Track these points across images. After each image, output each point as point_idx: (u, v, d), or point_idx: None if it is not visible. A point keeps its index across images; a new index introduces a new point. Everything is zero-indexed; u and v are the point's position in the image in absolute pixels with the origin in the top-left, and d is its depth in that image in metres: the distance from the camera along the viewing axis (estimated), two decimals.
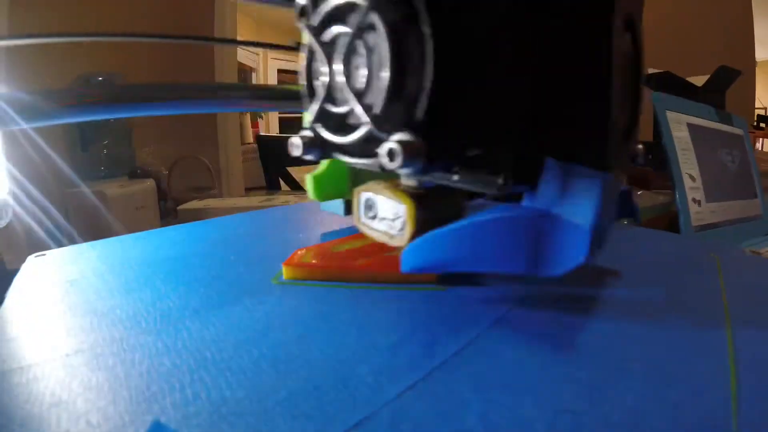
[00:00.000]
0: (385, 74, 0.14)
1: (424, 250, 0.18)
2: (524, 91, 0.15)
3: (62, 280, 0.22)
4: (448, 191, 0.19)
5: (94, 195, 1.36)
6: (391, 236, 0.22)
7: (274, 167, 1.35)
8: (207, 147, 2.03)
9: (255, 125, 3.64)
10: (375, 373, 0.14)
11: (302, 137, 0.17)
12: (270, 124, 3.89)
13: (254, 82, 3.79)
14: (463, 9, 0.14)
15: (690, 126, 0.56)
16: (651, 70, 0.94)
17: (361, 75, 0.15)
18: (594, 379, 0.14)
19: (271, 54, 3.77)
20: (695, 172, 0.54)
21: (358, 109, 0.15)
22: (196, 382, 0.13)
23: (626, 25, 0.17)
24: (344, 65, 0.15)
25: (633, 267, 0.25)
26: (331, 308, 0.18)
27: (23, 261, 0.25)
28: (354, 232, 0.25)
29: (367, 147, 0.15)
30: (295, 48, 0.20)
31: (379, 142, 0.14)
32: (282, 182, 1.37)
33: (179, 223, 0.32)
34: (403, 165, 0.14)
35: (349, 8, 0.15)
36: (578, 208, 0.16)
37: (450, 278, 0.21)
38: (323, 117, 0.17)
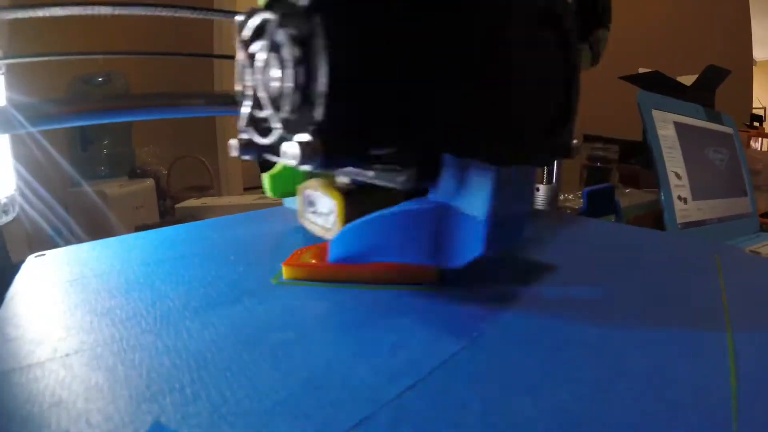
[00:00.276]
0: (290, 83, 0.16)
1: (343, 242, 0.19)
2: (420, 93, 0.16)
3: (62, 280, 0.22)
4: (378, 189, 0.20)
5: (94, 194, 1.36)
6: (327, 229, 0.24)
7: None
8: (206, 147, 2.03)
9: None
10: (375, 373, 0.14)
11: (239, 140, 0.19)
12: None
13: None
14: (356, 22, 0.15)
15: (677, 124, 0.56)
16: (642, 70, 0.95)
17: (275, 84, 0.16)
18: (594, 379, 0.14)
19: None
20: (681, 170, 0.54)
21: (272, 114, 0.17)
22: (196, 382, 0.13)
23: (544, 18, 0.17)
24: (263, 75, 0.17)
25: (633, 267, 0.25)
26: (331, 308, 0.18)
27: (26, 255, 0.25)
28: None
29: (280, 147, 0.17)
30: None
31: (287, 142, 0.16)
32: None
33: (177, 221, 0.32)
34: (302, 162, 0.15)
35: (267, 25, 0.17)
36: (473, 201, 0.17)
37: (450, 278, 0.21)
38: (252, 121, 0.18)
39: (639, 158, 0.80)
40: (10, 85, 0.26)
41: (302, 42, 0.15)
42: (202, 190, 1.79)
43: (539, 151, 0.19)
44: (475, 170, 0.17)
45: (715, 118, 0.64)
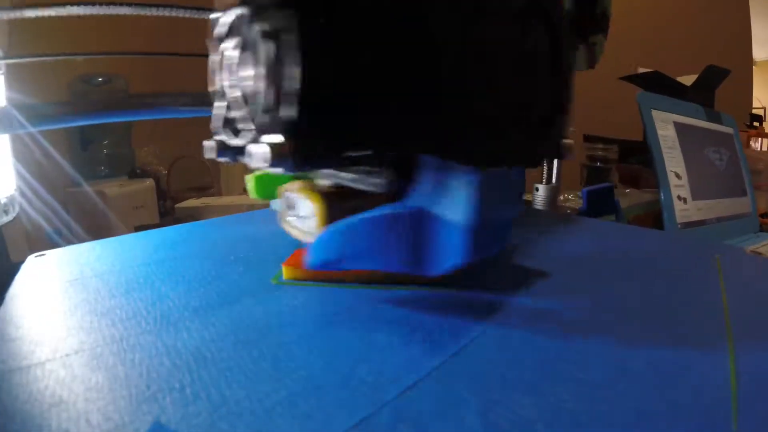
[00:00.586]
0: (261, 82, 0.15)
1: (320, 248, 0.18)
2: (396, 91, 0.15)
3: (62, 280, 0.22)
4: (362, 191, 0.19)
5: (94, 194, 1.36)
6: (308, 233, 0.23)
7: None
8: None
9: None
10: (375, 373, 0.14)
11: (216, 141, 0.18)
12: None
13: None
14: (331, 17, 0.14)
15: (676, 124, 0.56)
16: (641, 70, 0.95)
17: (247, 83, 0.16)
18: (594, 379, 0.14)
19: None
20: (681, 170, 0.54)
21: (244, 114, 0.16)
22: (196, 382, 0.13)
23: (531, 11, 0.16)
24: (235, 74, 0.16)
25: (633, 267, 0.25)
26: (331, 308, 0.18)
27: (26, 255, 0.25)
28: None
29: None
30: None
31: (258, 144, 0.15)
32: None
33: (177, 221, 0.32)
34: (272, 165, 0.14)
35: (239, 23, 0.16)
36: (454, 206, 0.16)
37: (450, 278, 0.21)
38: (226, 122, 0.17)
39: (639, 158, 0.80)
40: (10, 85, 0.26)
41: (274, 38, 0.14)
42: (202, 191, 1.79)
43: (524, 152, 0.18)
44: (456, 173, 0.16)
45: (715, 118, 0.64)
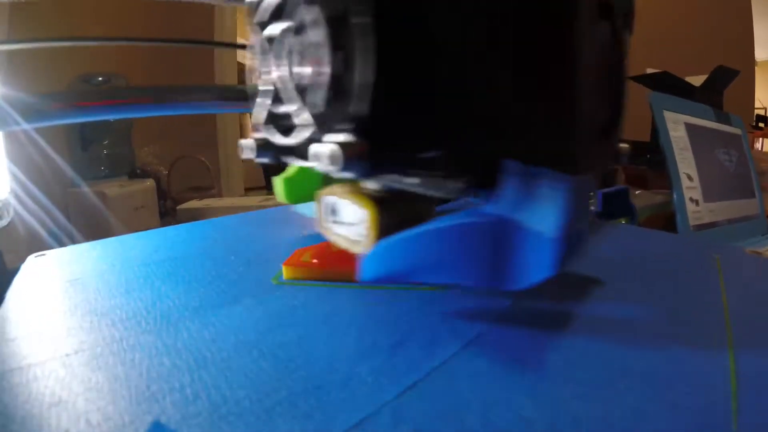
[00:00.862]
0: (326, 70, 0.13)
1: (382, 259, 0.16)
2: (482, 88, 0.14)
3: (62, 280, 0.22)
4: (413, 195, 0.17)
5: (94, 195, 1.36)
6: (355, 242, 0.21)
7: (274, 167, 1.35)
8: (207, 147, 2.03)
9: None
10: (375, 373, 0.14)
11: (256, 139, 0.16)
12: None
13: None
14: (405, 15, 0.12)
15: (687, 126, 0.56)
16: (649, 70, 0.94)
17: (304, 72, 0.14)
18: (594, 379, 0.14)
19: None
20: (693, 172, 0.54)
21: (301, 108, 0.14)
22: (196, 382, 0.13)
23: (601, 13, 0.15)
24: (288, 63, 0.14)
25: (633, 266, 0.25)
26: (331, 308, 0.18)
27: (23, 260, 0.25)
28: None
29: (309, 148, 0.14)
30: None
31: (319, 143, 0.14)
32: None
33: (178, 222, 0.32)
34: (344, 168, 0.13)
35: (290, 4, 0.14)
36: (544, 216, 0.14)
37: None
38: (271, 118, 0.16)
39: (646, 159, 0.80)
40: (10, 84, 0.26)
41: (339, 22, 0.12)
42: (202, 191, 1.80)
43: (603, 157, 0.17)
44: (545, 180, 0.14)
45: (724, 119, 0.63)
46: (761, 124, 1.76)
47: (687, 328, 0.17)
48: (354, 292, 0.20)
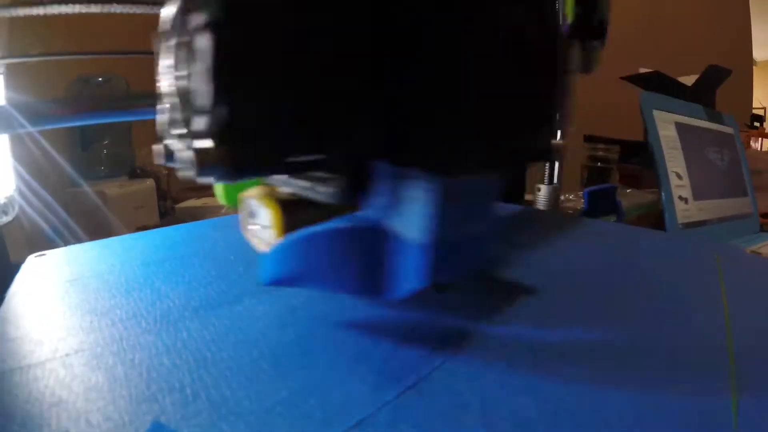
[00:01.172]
0: (187, 79, 0.13)
1: (275, 262, 0.16)
2: (349, 87, 0.13)
3: (62, 280, 0.22)
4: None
5: (94, 194, 1.36)
6: (269, 244, 0.20)
7: None
8: None
9: None
10: (375, 373, 0.14)
11: (164, 145, 0.16)
12: None
13: None
14: (266, 9, 0.12)
15: (678, 125, 0.56)
16: (642, 70, 0.95)
17: (182, 81, 0.14)
18: (594, 379, 0.14)
19: None
20: (682, 171, 0.54)
21: (180, 117, 0.14)
22: (196, 382, 0.13)
23: (523, 17, 0.15)
24: (174, 72, 0.14)
25: (633, 267, 0.25)
26: (331, 308, 0.18)
27: (26, 255, 0.25)
28: None
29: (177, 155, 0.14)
30: None
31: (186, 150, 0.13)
32: None
33: (177, 221, 0.32)
34: (200, 174, 0.12)
35: (179, 17, 0.14)
36: (411, 221, 0.13)
37: (450, 278, 0.21)
38: (172, 124, 0.15)
39: (639, 158, 0.80)
40: (10, 85, 0.26)
41: (209, 30, 0.12)
42: (202, 191, 1.79)
43: (500, 158, 0.16)
44: (413, 182, 0.13)
45: (716, 118, 0.64)
46: (756, 124, 1.76)
47: (687, 327, 0.17)
48: None
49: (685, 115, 0.58)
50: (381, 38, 0.13)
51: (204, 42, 0.12)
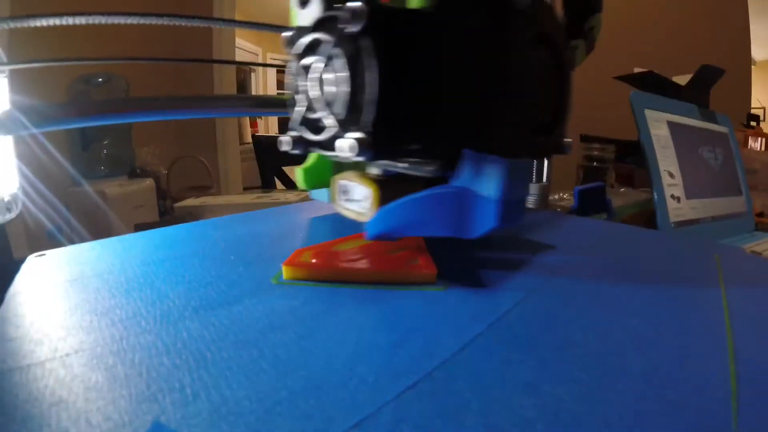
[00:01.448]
0: (346, 91, 0.19)
1: (381, 221, 0.22)
2: (447, 101, 0.20)
3: (62, 280, 0.22)
4: (405, 178, 0.25)
5: (94, 194, 1.36)
6: (361, 214, 0.27)
7: (270, 166, 1.35)
8: (206, 147, 2.03)
9: (254, 125, 3.64)
10: (375, 373, 0.14)
11: (291, 136, 0.22)
12: (269, 124, 3.89)
13: (253, 81, 3.79)
14: (401, 44, 0.19)
15: (670, 124, 0.56)
16: (637, 70, 0.95)
17: (330, 91, 0.20)
18: (594, 379, 0.14)
19: (270, 55, 3.77)
20: (675, 170, 0.54)
21: (328, 116, 0.20)
22: (196, 382, 0.13)
23: (539, 40, 0.21)
24: (318, 83, 0.20)
25: (633, 266, 0.25)
26: (331, 308, 0.18)
27: (27, 252, 0.25)
28: (345, 225, 0.26)
29: (334, 143, 0.20)
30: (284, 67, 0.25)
31: (341, 138, 0.19)
32: (278, 181, 1.37)
33: (176, 220, 0.32)
34: (358, 155, 0.18)
35: (320, 43, 0.20)
36: (488, 185, 0.20)
37: (450, 278, 0.21)
38: (305, 121, 0.22)
39: (634, 158, 0.80)
40: (10, 84, 0.26)
41: (353, 58, 0.18)
42: (201, 190, 1.80)
43: (537, 147, 0.23)
44: (489, 161, 0.21)
45: (710, 117, 0.64)
46: (753, 123, 1.76)
47: (687, 327, 0.17)
48: (354, 292, 0.20)
49: (677, 114, 0.58)
50: (472, 64, 0.20)
51: (365, 68, 0.18)
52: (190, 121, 1.90)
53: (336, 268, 0.21)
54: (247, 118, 3.28)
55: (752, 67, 1.85)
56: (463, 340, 0.16)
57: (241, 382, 0.13)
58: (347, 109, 0.19)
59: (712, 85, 0.86)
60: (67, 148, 1.55)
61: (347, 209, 0.28)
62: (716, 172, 0.61)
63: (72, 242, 0.27)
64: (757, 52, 1.83)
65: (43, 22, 0.25)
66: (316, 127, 0.21)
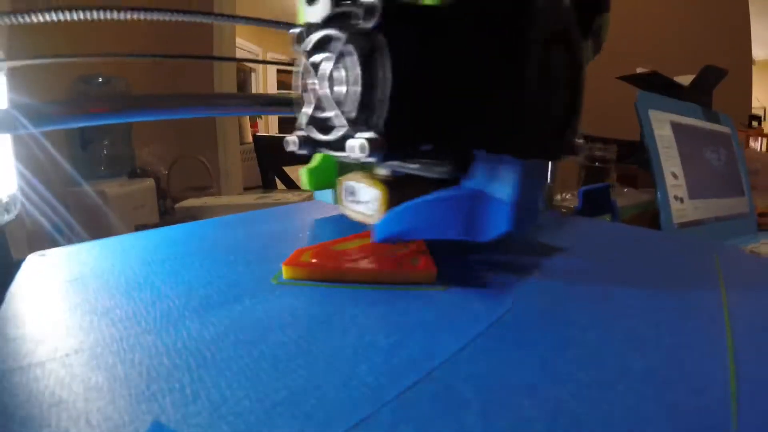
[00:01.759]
0: (357, 89, 0.18)
1: (390, 224, 0.22)
2: (461, 101, 0.19)
3: (62, 280, 0.22)
4: (413, 179, 0.24)
5: (94, 194, 1.36)
6: (368, 216, 0.26)
7: (270, 166, 1.35)
8: (206, 147, 2.03)
9: (254, 125, 3.64)
10: (375, 373, 0.14)
11: (298, 136, 0.22)
12: (269, 123, 3.89)
13: (254, 81, 3.79)
14: (414, 41, 0.18)
15: (673, 124, 0.56)
16: (639, 70, 0.95)
17: (341, 89, 0.19)
18: (594, 379, 0.14)
19: (271, 55, 3.77)
20: (678, 170, 0.54)
21: (338, 115, 0.19)
22: (196, 382, 0.13)
23: (555, 38, 0.20)
24: (328, 81, 0.20)
25: (633, 267, 0.25)
26: (331, 308, 0.18)
27: (26, 253, 0.25)
28: (341, 219, 0.26)
29: (343, 143, 0.19)
30: (291, 65, 0.24)
31: (352, 139, 0.19)
32: (278, 181, 1.37)
33: (177, 221, 0.32)
34: (369, 155, 0.18)
35: (331, 39, 0.19)
36: (502, 188, 0.20)
37: (450, 278, 0.21)
38: (313, 120, 0.21)
39: (637, 158, 0.80)
40: (10, 85, 0.26)
41: (367, 56, 0.18)
42: (202, 190, 1.80)
43: (552, 148, 0.22)
44: (504, 163, 0.20)
45: (713, 117, 0.64)
46: (755, 123, 1.76)
47: (687, 328, 0.17)
48: (354, 292, 0.20)
49: (681, 115, 0.58)
50: (489, 62, 0.19)
51: (378, 66, 0.18)
52: (190, 121, 1.90)
53: (336, 268, 0.21)
54: (248, 117, 3.28)
55: (752, 66, 1.84)
56: (463, 340, 0.16)
57: (241, 382, 0.13)
58: (358, 108, 0.18)
59: (715, 86, 0.86)
60: (67, 148, 1.55)
61: (354, 211, 0.28)
62: (719, 172, 0.61)
63: (72, 242, 0.27)
64: (757, 52, 1.83)
65: (41, 18, 0.25)
66: (324, 126, 0.20)
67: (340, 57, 0.19)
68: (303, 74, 0.21)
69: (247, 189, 2.19)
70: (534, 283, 0.21)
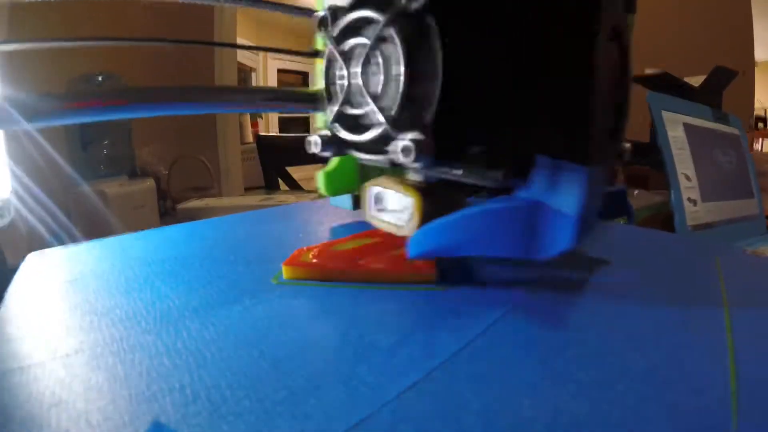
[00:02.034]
0: (400, 81, 0.16)
1: (429, 238, 0.19)
2: (519, 97, 0.17)
3: (62, 280, 0.22)
4: (449, 186, 0.21)
5: (94, 194, 1.36)
6: (399, 227, 0.23)
7: (273, 167, 1.36)
8: (206, 147, 2.03)
9: (254, 125, 3.64)
10: (375, 373, 0.14)
11: (321, 136, 0.19)
12: (270, 123, 3.89)
13: (254, 81, 3.79)
14: (468, 26, 0.15)
15: (686, 126, 0.56)
16: (648, 71, 0.94)
17: (377, 81, 0.17)
18: (594, 379, 0.14)
19: (271, 54, 3.77)
20: (691, 172, 0.54)
21: (375, 111, 0.17)
22: (196, 382, 0.13)
23: (612, 35, 0.18)
24: (362, 72, 0.17)
25: (632, 267, 0.25)
26: (331, 308, 0.18)
27: (24, 258, 0.25)
28: (358, 227, 0.26)
29: (379, 145, 0.17)
30: (314, 54, 0.22)
31: (392, 140, 0.16)
32: (281, 182, 1.38)
33: (178, 222, 0.32)
34: (415, 160, 0.16)
35: (366, 22, 0.16)
36: (565, 199, 0.17)
37: (450, 278, 0.21)
38: (341, 118, 0.19)
39: (647, 159, 0.80)
40: (10, 82, 0.26)
41: (413, 40, 0.15)
42: (202, 191, 1.80)
43: (611, 153, 0.20)
44: (565, 170, 0.17)
45: (723, 119, 0.63)
46: (761, 125, 1.76)
47: (687, 328, 0.17)
48: (354, 292, 0.20)
49: (692, 116, 0.58)
50: (553, 53, 0.17)
51: (426, 54, 0.15)
52: (190, 121, 1.90)
53: (336, 268, 0.21)
54: (248, 117, 3.28)
55: (755, 68, 1.84)
56: (463, 340, 0.16)
57: (241, 382, 0.13)
58: (400, 104, 0.16)
59: (725, 87, 0.86)
60: (67, 148, 1.55)
61: (381, 220, 0.25)
62: (730, 174, 0.61)
63: (72, 242, 0.27)
64: (759, 53, 1.83)
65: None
66: (355, 124, 0.18)
67: (378, 43, 0.16)
68: (328, 64, 0.18)
69: (248, 189, 2.19)
70: (534, 283, 0.21)
